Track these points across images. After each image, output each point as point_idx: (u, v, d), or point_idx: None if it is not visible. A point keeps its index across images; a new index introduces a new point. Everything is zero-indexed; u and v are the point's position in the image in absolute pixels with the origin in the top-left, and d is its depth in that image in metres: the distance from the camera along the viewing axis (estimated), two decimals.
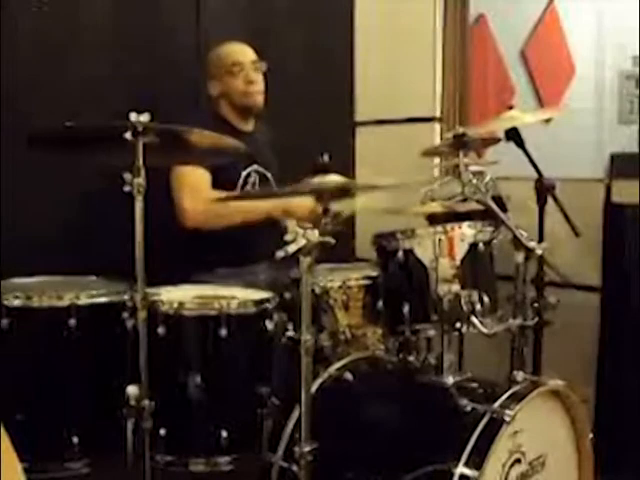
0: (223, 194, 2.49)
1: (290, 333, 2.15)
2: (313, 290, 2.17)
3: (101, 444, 2.00)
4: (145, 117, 1.86)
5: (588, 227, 2.65)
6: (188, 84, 2.92)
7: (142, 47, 2.84)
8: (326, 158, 1.78)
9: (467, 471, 1.77)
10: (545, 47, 4.18)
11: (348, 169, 3.54)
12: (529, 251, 2.08)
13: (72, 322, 1.96)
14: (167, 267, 2.30)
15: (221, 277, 2.52)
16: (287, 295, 2.22)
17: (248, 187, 2.70)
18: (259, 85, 2.71)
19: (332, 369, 2.13)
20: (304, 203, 2.42)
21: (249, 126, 2.79)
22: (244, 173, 2.69)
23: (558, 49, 4.31)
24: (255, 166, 2.72)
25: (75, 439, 1.96)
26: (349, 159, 3.62)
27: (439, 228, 2.07)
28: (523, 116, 2.47)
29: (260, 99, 2.72)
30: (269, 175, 2.77)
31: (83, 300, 2.00)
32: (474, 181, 2.10)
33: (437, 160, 3.10)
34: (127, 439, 1.94)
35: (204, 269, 2.58)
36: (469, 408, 1.90)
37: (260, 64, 2.72)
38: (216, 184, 2.59)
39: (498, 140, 2.55)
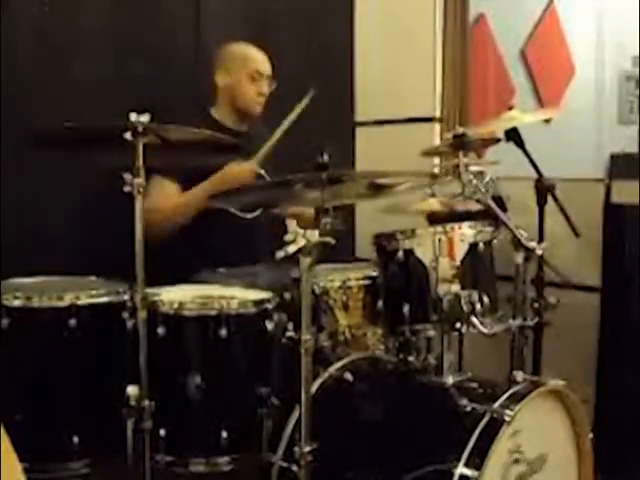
0: (183, 197, 2.58)
1: (290, 333, 2.15)
2: (313, 290, 2.17)
3: (101, 444, 2.00)
4: (145, 117, 1.86)
5: (588, 227, 2.65)
6: (188, 84, 2.93)
7: (142, 47, 2.84)
8: (326, 157, 1.78)
9: (467, 471, 1.77)
10: (545, 47, 4.19)
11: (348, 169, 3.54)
12: (529, 251, 2.08)
13: (72, 322, 1.96)
14: (167, 267, 2.30)
15: (221, 277, 2.52)
16: (287, 295, 2.21)
17: None
18: (264, 98, 2.79)
19: (332, 369, 2.13)
20: (242, 167, 2.51)
21: (243, 126, 2.80)
22: None
23: (558, 49, 4.31)
24: None
25: (75, 439, 1.96)
26: (349, 159, 3.62)
27: (439, 228, 2.07)
28: (523, 116, 2.48)
29: (260, 109, 2.80)
30: (263, 172, 2.76)
31: (83, 300, 1.99)
32: (474, 181, 2.10)
33: (437, 160, 3.10)
34: (127, 439, 1.94)
35: (204, 269, 2.58)
36: (469, 408, 1.90)
37: (273, 82, 2.79)
38: None
39: (498, 140, 2.55)
